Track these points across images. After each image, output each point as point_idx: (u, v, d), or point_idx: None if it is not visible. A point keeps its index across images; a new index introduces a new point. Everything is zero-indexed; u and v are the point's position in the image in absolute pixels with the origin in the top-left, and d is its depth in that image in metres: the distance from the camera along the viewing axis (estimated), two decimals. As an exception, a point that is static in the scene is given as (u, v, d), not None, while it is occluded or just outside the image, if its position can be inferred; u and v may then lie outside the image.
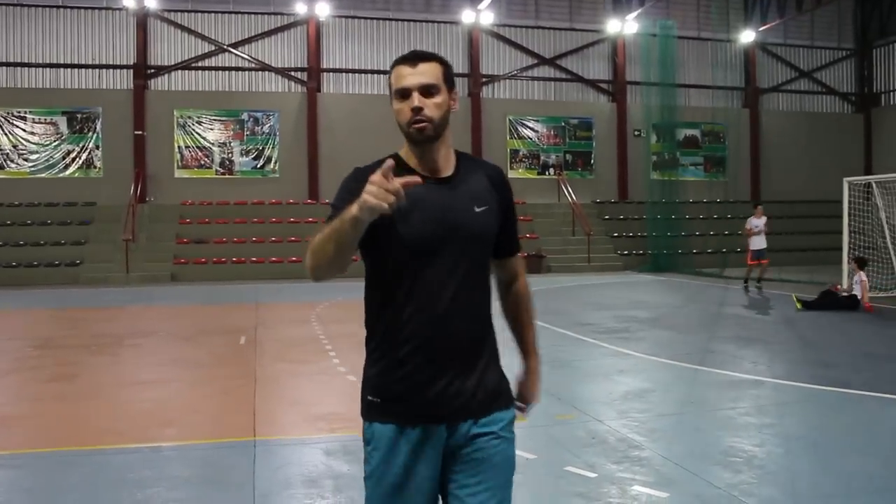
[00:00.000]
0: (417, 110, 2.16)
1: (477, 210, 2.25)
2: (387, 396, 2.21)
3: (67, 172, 24.16)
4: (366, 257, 2.28)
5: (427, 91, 2.19)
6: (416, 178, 1.94)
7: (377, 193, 1.82)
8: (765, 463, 4.94)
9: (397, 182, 1.84)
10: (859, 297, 13.10)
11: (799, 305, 13.00)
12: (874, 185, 16.74)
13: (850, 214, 16.40)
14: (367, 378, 2.28)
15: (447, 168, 2.28)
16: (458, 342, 2.22)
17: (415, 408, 2.19)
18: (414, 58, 2.23)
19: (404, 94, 2.19)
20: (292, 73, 25.67)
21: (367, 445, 2.25)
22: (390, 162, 1.88)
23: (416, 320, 2.18)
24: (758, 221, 16.44)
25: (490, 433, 2.24)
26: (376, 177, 1.84)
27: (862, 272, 13.47)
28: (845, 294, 13.42)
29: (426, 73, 2.20)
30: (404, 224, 2.16)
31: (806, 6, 27.02)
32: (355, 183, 2.12)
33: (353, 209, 1.89)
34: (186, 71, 25.15)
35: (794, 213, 27.31)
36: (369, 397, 2.26)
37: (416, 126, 2.17)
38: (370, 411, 2.25)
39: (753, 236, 16.43)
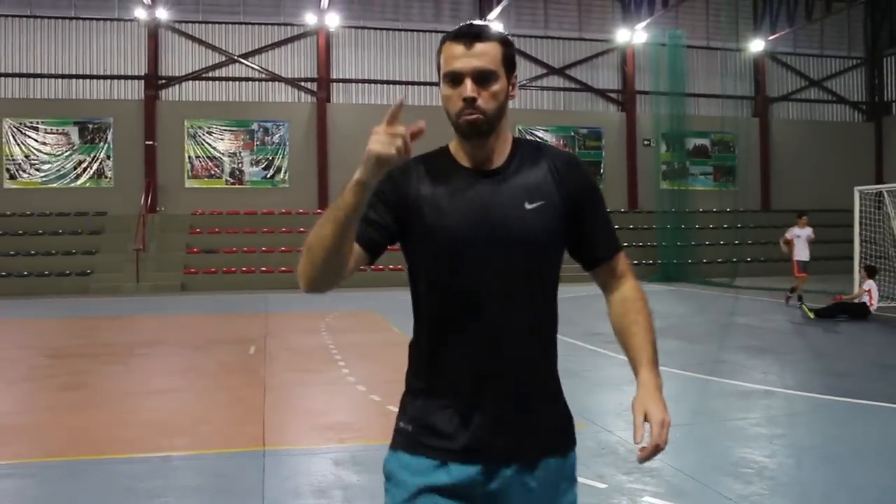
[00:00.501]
0: (470, 101, 1.83)
1: (528, 207, 1.88)
2: (421, 426, 1.89)
3: (79, 182, 24.31)
4: (406, 262, 1.98)
5: (483, 78, 1.84)
6: (421, 124, 1.63)
7: (382, 140, 1.58)
8: (776, 474, 4.90)
9: (401, 127, 1.60)
10: (869, 305, 13.03)
11: (811, 315, 12.92)
12: (885, 194, 16.67)
13: (861, 223, 16.33)
14: (403, 403, 1.97)
15: (500, 160, 1.94)
16: (507, 367, 1.87)
17: (449, 443, 1.85)
18: (470, 35, 1.85)
19: (455, 79, 1.85)
20: (302, 84, 25.78)
21: (387, 481, 1.91)
22: (398, 100, 1.63)
23: (455, 340, 1.87)
24: (800, 231, 15.54)
25: (537, 484, 1.89)
26: (380, 126, 1.61)
27: (871, 280, 13.39)
28: (855, 301, 13.34)
29: (483, 55, 1.84)
30: (438, 225, 1.85)
31: (816, 15, 26.98)
32: (385, 182, 1.83)
33: (356, 175, 1.64)
34: (197, 81, 25.30)
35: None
36: (401, 423, 1.94)
37: (467, 118, 1.84)
38: (398, 439, 1.93)
39: (798, 247, 15.38)
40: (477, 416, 1.85)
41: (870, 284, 13.39)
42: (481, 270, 1.85)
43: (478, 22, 1.95)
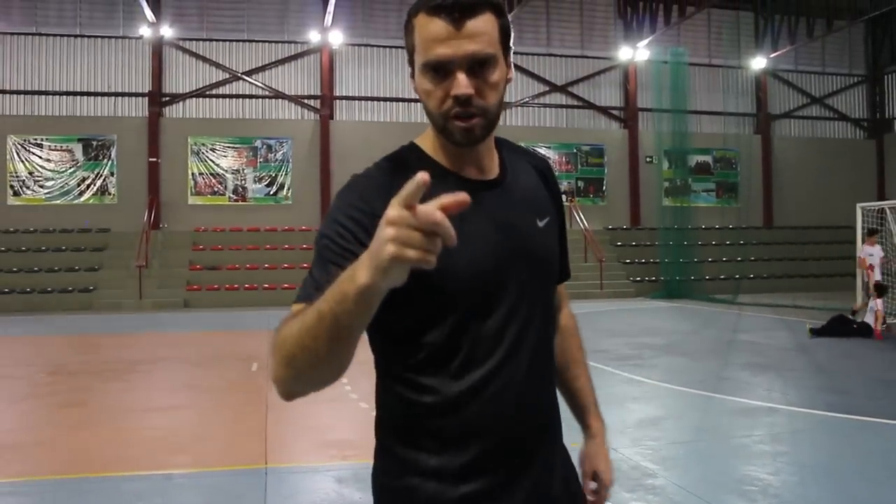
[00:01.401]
0: (465, 102, 1.36)
1: (540, 225, 1.52)
2: None
3: (82, 199, 24.36)
4: (377, 329, 1.44)
5: (480, 66, 1.36)
6: (464, 197, 1.03)
7: (409, 239, 1.00)
8: (780, 492, 4.88)
9: (435, 209, 1.01)
10: (872, 325, 12.96)
11: (810, 333, 12.83)
12: (888, 211, 16.67)
13: (863, 240, 16.31)
14: (401, 492, 1.45)
15: (492, 165, 1.50)
16: (541, 426, 1.51)
17: None
18: (458, 6, 1.33)
19: (439, 69, 1.36)
20: (305, 101, 25.89)
21: None
22: (422, 177, 1.01)
23: (481, 404, 1.41)
24: (872, 250, 14.87)
25: None
26: (395, 211, 1.01)
27: (880, 300, 13.30)
28: (858, 322, 13.27)
29: (479, 35, 1.34)
30: (456, 258, 1.31)
31: (817, 33, 27.10)
32: (360, 206, 1.36)
33: (362, 275, 1.07)
34: (201, 98, 25.40)
35: (807, 238, 27.24)
36: None
37: (462, 125, 1.37)
38: None
39: (871, 268, 14.56)
40: (519, 494, 1.46)
41: (878, 305, 13.28)
42: (509, 311, 1.44)
43: None
